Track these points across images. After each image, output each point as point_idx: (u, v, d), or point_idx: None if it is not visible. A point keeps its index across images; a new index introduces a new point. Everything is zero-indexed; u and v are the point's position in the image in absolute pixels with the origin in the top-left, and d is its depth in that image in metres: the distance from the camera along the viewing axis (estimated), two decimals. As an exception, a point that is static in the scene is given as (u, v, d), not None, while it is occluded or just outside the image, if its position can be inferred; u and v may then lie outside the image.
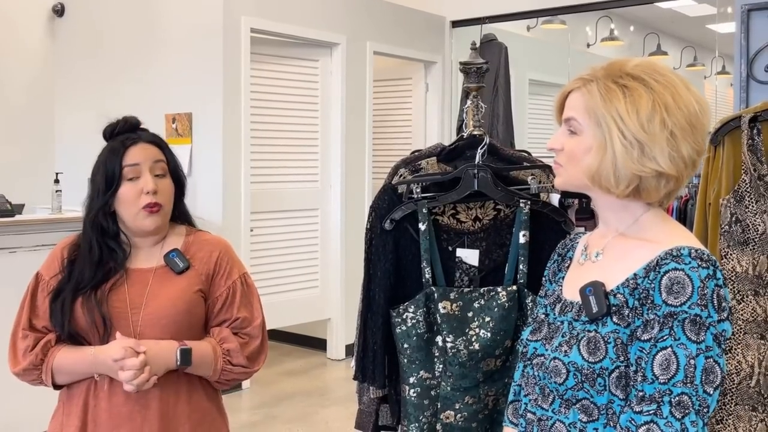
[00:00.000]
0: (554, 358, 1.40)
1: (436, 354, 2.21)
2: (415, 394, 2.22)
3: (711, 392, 1.26)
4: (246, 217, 5.44)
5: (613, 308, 1.36)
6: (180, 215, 2.17)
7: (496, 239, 2.28)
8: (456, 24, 7.02)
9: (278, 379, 5.72)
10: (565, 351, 1.39)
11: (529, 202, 2.23)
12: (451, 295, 2.20)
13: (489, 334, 2.17)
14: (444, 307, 2.18)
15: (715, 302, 1.28)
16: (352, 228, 6.11)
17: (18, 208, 4.03)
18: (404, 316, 2.22)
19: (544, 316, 1.54)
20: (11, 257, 3.78)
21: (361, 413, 2.47)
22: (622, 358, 1.33)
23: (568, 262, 1.58)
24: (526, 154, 2.44)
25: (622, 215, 1.43)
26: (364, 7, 6.34)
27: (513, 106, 6.61)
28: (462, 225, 2.30)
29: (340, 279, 6.16)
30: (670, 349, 1.26)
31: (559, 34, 7.02)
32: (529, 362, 1.50)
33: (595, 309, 1.37)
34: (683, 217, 4.25)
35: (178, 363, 1.94)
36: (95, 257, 2.01)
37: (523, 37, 7.25)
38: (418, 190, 2.26)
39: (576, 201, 2.35)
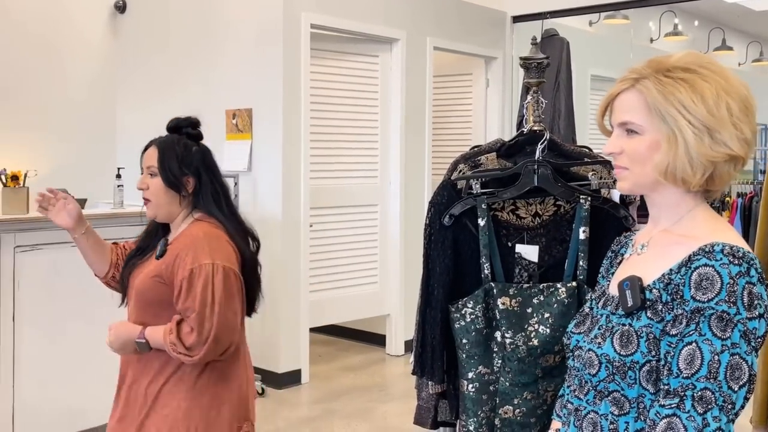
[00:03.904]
0: (589, 349, 1.43)
1: (495, 349, 2.21)
2: (473, 390, 2.22)
3: (736, 389, 1.26)
4: (305, 213, 5.49)
5: (648, 303, 1.37)
6: (202, 207, 2.35)
7: (556, 235, 2.26)
8: (517, 19, 6.97)
9: (337, 374, 5.76)
10: (599, 343, 1.41)
11: (589, 198, 2.22)
12: (511, 291, 2.20)
13: (548, 330, 2.16)
14: (503, 303, 2.18)
15: (746, 300, 1.28)
16: (411, 224, 6.12)
17: (80, 203, 4.11)
18: (463, 312, 2.22)
19: (588, 309, 1.56)
20: (73, 251, 3.87)
21: (419, 409, 2.48)
22: (653, 353, 1.35)
23: (620, 258, 1.59)
24: (586, 150, 2.42)
25: (674, 211, 1.43)
26: (424, 2, 6.33)
27: (574, 101, 6.53)
28: (521, 221, 2.29)
29: (399, 275, 6.18)
30: (695, 344, 1.28)
31: (621, 29, 6.92)
32: (570, 354, 1.53)
33: (630, 303, 1.39)
34: (748, 213, 4.16)
35: (138, 350, 2.25)
36: (143, 235, 2.47)
37: (585, 32, 7.16)
38: (478, 185, 2.26)
39: (638, 197, 2.32)
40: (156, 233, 2.44)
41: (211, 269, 2.20)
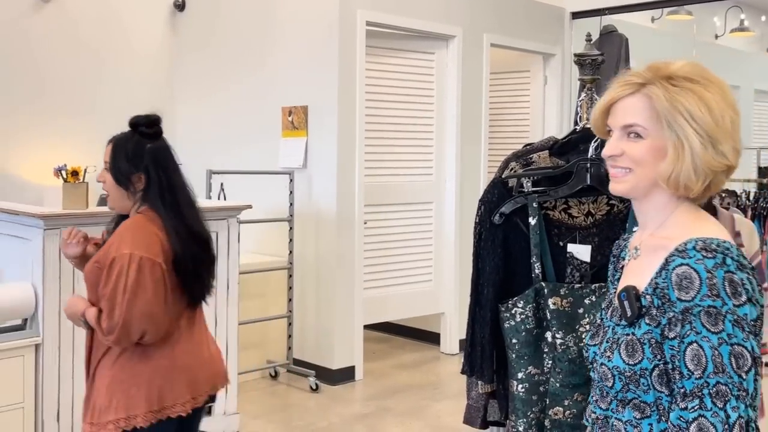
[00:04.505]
0: (602, 363, 1.47)
1: (545, 350, 2.18)
2: (523, 390, 2.19)
3: (744, 376, 1.29)
4: (360, 210, 5.50)
5: (644, 310, 1.40)
6: (149, 202, 2.47)
7: (609, 235, 2.22)
8: (576, 15, 6.88)
9: (391, 371, 5.76)
10: (609, 356, 1.45)
11: (644, 197, 2.16)
12: (562, 291, 2.16)
13: (600, 332, 2.11)
14: (554, 303, 2.15)
15: (728, 289, 1.30)
16: (466, 222, 6.08)
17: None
18: (513, 311, 2.19)
19: (600, 320, 1.58)
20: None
21: (469, 408, 2.46)
22: (659, 357, 1.37)
23: (622, 263, 1.59)
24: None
25: (660, 215, 1.46)
26: (481, -1, 6.30)
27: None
28: (574, 220, 2.25)
29: (454, 273, 6.15)
30: (695, 343, 1.31)
31: (684, 26, 6.77)
32: (591, 366, 1.56)
33: (629, 313, 1.42)
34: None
35: (81, 325, 2.49)
36: (112, 224, 2.61)
37: (646, 28, 7.03)
38: (529, 184, 2.23)
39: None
40: (118, 222, 2.58)
41: (127, 259, 2.32)
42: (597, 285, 2.16)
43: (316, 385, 5.26)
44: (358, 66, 5.43)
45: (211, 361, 2.62)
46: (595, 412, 1.52)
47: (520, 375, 2.19)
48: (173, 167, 2.52)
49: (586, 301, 2.16)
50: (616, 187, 1.47)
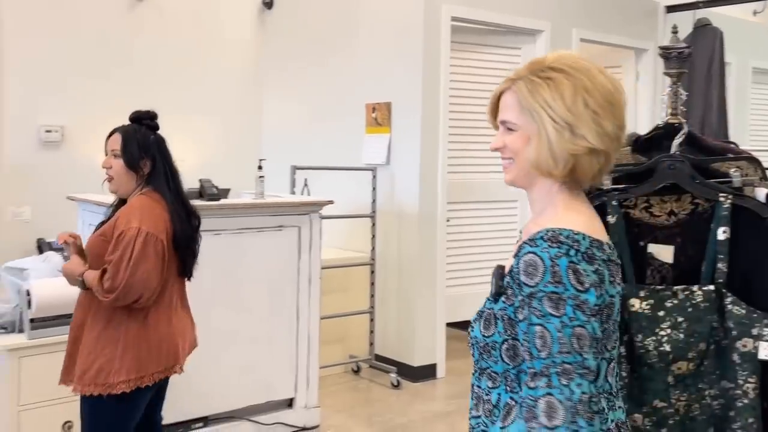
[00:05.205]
0: (468, 332, 1.61)
1: (624, 353, 2.10)
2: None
3: (586, 355, 1.38)
4: (442, 207, 5.46)
5: (503, 289, 1.51)
6: (153, 185, 2.84)
7: (693, 235, 2.13)
8: (671, 9, 6.67)
9: (473, 370, 5.70)
10: (473, 327, 1.59)
11: (730, 196, 2.07)
12: (642, 293, 2.08)
13: (681, 336, 2.03)
14: (633, 305, 2.07)
15: (571, 277, 1.39)
16: (552, 220, 5.97)
17: (224, 193, 4.24)
18: (590, 313, 2.13)
19: None
20: (216, 239, 3.98)
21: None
22: (509, 333, 1.48)
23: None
24: (732, 146, 2.26)
25: (543, 202, 1.56)
26: (570, -7, 6.17)
27: (732, 95, 6.18)
28: (655, 219, 2.17)
29: (538, 272, 6.03)
30: (541, 326, 1.40)
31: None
32: None
33: (493, 290, 1.53)
34: None
35: (76, 285, 2.81)
36: (112, 207, 2.99)
37: (746, 21, 6.77)
38: (609, 181, 2.16)
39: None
40: (120, 206, 2.92)
41: (135, 233, 2.67)
42: (680, 287, 2.07)
43: (398, 381, 5.26)
44: (442, 62, 5.39)
45: (186, 334, 2.96)
46: (472, 385, 1.65)
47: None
48: (171, 156, 2.91)
49: (668, 304, 2.07)
50: (505, 178, 1.60)
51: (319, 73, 6.21)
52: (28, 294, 3.48)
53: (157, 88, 6.19)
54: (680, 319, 2.04)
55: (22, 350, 3.50)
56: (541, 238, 1.42)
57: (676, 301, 2.06)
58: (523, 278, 1.42)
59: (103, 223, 2.93)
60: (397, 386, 5.24)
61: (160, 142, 2.89)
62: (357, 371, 5.56)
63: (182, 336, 2.90)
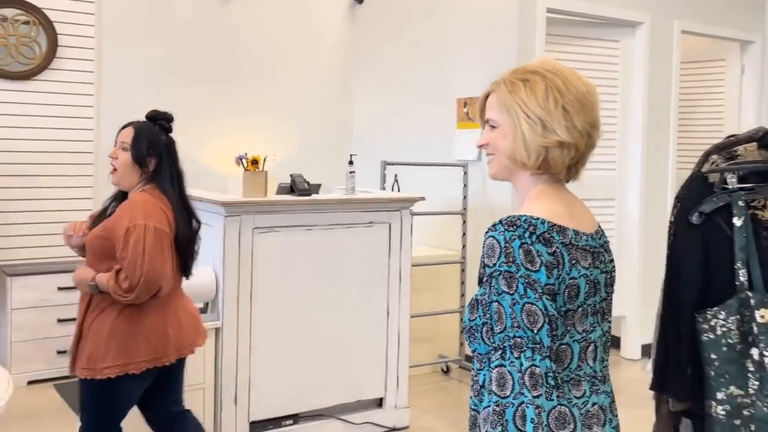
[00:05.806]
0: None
1: (751, 369, 1.93)
2: (723, 413, 1.96)
3: (536, 330, 1.47)
4: (538, 205, 5.29)
5: (482, 275, 1.58)
6: (157, 183, 2.91)
7: (831, 240, 1.94)
8: (779, -2, 6.33)
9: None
10: (464, 313, 1.67)
11: None
12: (771, 303, 1.91)
13: (818, 351, 1.85)
14: (762, 316, 1.90)
15: (522, 257, 1.49)
16: (651, 220, 5.74)
17: (315, 188, 4.19)
18: (712, 323, 1.96)
19: None
20: (307, 234, 3.94)
21: (658, 425, 2.24)
22: (487, 315, 1.55)
23: None
24: None
25: (524, 193, 1.66)
26: (672, -18, 5.91)
27: None
28: (787, 222, 1.99)
29: (637, 274, 5.82)
30: (497, 303, 1.50)
31: None
32: None
33: (478, 277, 1.61)
34: None
35: (90, 291, 2.84)
36: (110, 199, 3.05)
37: None
38: (734, 179, 1.99)
39: None
40: (120, 198, 2.99)
41: (143, 229, 2.74)
42: (814, 297, 1.89)
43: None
44: (537, 55, 5.21)
45: (182, 326, 3.00)
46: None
47: (719, 395, 1.96)
48: (178, 158, 2.98)
49: (801, 315, 1.89)
50: (489, 173, 1.72)
51: (410, 67, 6.12)
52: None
53: (248, 84, 6.21)
54: (816, 332, 1.86)
55: None
56: (500, 222, 1.54)
57: (810, 312, 1.88)
58: (485, 260, 1.54)
59: (101, 214, 2.99)
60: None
61: (170, 144, 2.97)
62: (446, 371, 5.44)
63: (175, 327, 2.95)
